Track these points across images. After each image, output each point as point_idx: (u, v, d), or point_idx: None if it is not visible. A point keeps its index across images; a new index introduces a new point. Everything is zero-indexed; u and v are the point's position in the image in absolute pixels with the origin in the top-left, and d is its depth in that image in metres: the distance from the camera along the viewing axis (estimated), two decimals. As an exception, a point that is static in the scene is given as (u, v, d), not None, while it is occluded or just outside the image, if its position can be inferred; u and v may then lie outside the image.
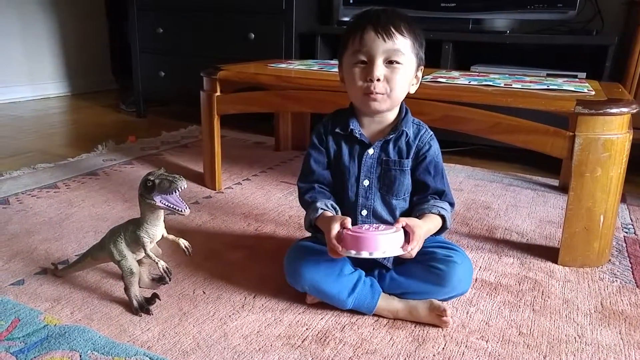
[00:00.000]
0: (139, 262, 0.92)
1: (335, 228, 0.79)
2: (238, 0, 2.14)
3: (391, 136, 0.88)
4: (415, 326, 0.86)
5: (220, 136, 1.51)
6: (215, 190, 1.54)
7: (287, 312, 0.90)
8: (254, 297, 0.95)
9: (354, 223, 0.87)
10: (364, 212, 0.90)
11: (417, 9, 1.94)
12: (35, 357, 0.75)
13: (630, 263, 1.13)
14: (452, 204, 0.90)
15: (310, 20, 2.17)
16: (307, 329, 0.85)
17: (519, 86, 1.22)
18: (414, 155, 0.88)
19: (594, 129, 1.02)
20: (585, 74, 1.71)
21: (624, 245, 1.23)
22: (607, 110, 1.01)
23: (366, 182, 0.89)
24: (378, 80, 0.81)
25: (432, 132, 0.90)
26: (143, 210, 0.86)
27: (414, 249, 0.78)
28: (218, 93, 1.46)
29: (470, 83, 1.26)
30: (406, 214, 0.90)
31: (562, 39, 1.74)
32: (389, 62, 0.82)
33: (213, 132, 1.50)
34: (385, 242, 0.75)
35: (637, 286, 1.03)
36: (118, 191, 1.51)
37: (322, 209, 0.86)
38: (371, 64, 0.81)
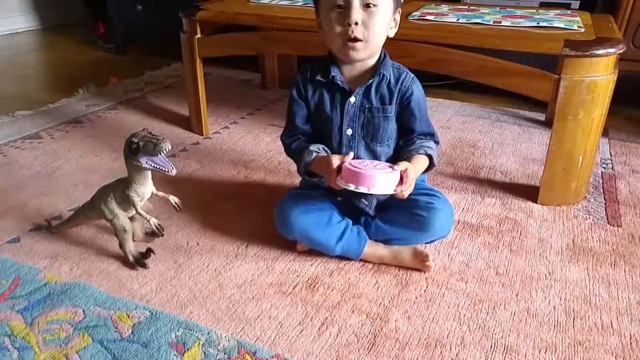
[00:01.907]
0: (131, 217, 0.94)
1: (336, 162, 0.81)
2: None
3: (371, 81, 0.87)
4: (399, 270, 0.92)
5: (203, 78, 1.47)
6: (202, 135, 1.53)
7: (279, 260, 0.95)
8: (246, 247, 0.99)
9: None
10: None
11: None
12: (40, 314, 0.79)
13: (605, 199, 1.18)
14: (437, 142, 0.93)
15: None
16: (297, 275, 0.90)
17: (509, 23, 1.18)
18: (398, 100, 0.88)
19: (579, 71, 1.01)
20: (578, 2, 1.65)
21: (601, 181, 1.27)
22: (594, 51, 0.99)
23: (349, 131, 0.90)
24: (356, 24, 0.80)
25: (413, 75, 0.90)
26: (130, 170, 0.87)
27: (405, 190, 0.81)
28: (199, 35, 1.40)
29: (459, 20, 1.22)
30: (391, 158, 0.92)
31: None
32: (366, 6, 0.80)
33: (196, 76, 1.46)
34: (382, 181, 0.78)
35: (608, 222, 1.09)
36: (105, 140, 1.50)
37: (315, 151, 0.88)
38: (348, 8, 0.80)
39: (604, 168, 1.34)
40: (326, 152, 0.90)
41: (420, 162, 0.87)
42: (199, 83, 1.46)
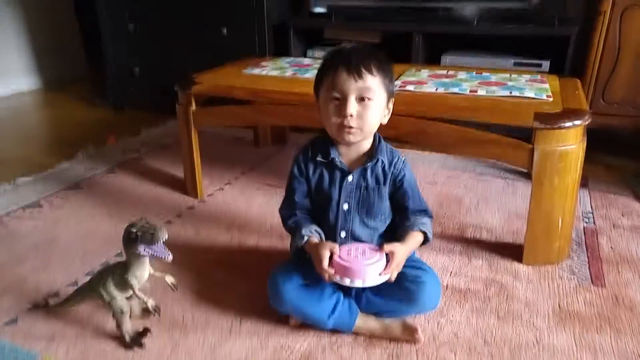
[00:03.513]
0: (129, 296, 0.97)
1: (326, 257, 0.88)
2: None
3: (368, 164, 0.95)
4: (390, 343, 0.94)
5: (199, 146, 1.53)
6: (197, 199, 1.58)
7: (272, 336, 0.97)
8: (240, 320, 1.02)
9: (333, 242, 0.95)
10: (343, 234, 0.97)
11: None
12: (40, 403, 0.81)
13: (588, 257, 1.22)
14: (430, 217, 1.00)
15: (283, 11, 2.15)
16: (290, 353, 0.93)
17: (484, 92, 1.26)
18: (391, 182, 0.96)
19: (550, 142, 1.08)
20: (549, 62, 1.75)
21: (583, 237, 1.32)
22: (562, 124, 1.06)
23: (345, 206, 0.96)
24: (351, 116, 0.88)
25: (404, 159, 0.98)
26: (128, 256, 0.91)
27: (393, 272, 0.88)
28: (194, 107, 1.47)
29: (437, 90, 1.29)
30: (384, 233, 0.99)
31: (526, 29, 1.77)
32: (361, 99, 0.88)
33: (192, 145, 1.52)
34: (372, 273, 0.87)
35: (592, 282, 1.13)
36: (103, 204, 1.54)
37: (307, 235, 0.94)
38: (344, 102, 0.88)
39: (586, 222, 1.39)
40: (319, 234, 0.96)
41: (413, 240, 0.94)
42: (194, 151, 1.52)
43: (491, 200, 1.54)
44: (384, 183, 0.96)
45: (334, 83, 0.88)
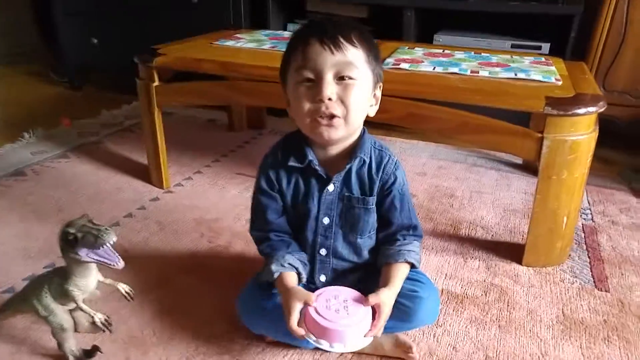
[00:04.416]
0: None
1: (296, 312, 0.69)
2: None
3: (349, 166, 0.76)
4: (381, 360, 0.82)
5: (163, 119, 1.35)
6: (163, 189, 1.41)
7: (247, 353, 0.83)
8: (209, 335, 0.87)
9: (312, 262, 0.81)
10: (323, 251, 0.81)
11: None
12: None
13: (589, 258, 1.13)
14: (419, 236, 0.82)
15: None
16: (267, 374, 0.80)
17: (487, 73, 1.13)
18: (379, 189, 0.78)
19: (561, 130, 0.96)
20: (549, 45, 1.64)
21: (583, 235, 1.22)
22: (576, 110, 0.95)
23: (326, 220, 0.79)
24: (330, 100, 0.68)
25: (396, 160, 0.79)
26: (68, 263, 0.75)
27: (379, 328, 0.70)
28: (156, 82, 1.29)
29: (435, 70, 1.16)
30: (373, 250, 0.82)
31: (527, 7, 1.65)
32: (340, 78, 0.69)
33: (155, 127, 1.34)
34: (354, 334, 0.68)
35: (595, 286, 1.03)
36: (51, 196, 1.35)
37: (278, 271, 0.75)
38: (319, 81, 0.69)
39: (584, 219, 1.30)
40: (295, 268, 0.77)
41: (401, 277, 0.76)
42: (158, 134, 1.35)
43: (485, 193, 1.43)
44: (371, 193, 0.77)
45: (305, 58, 0.69)
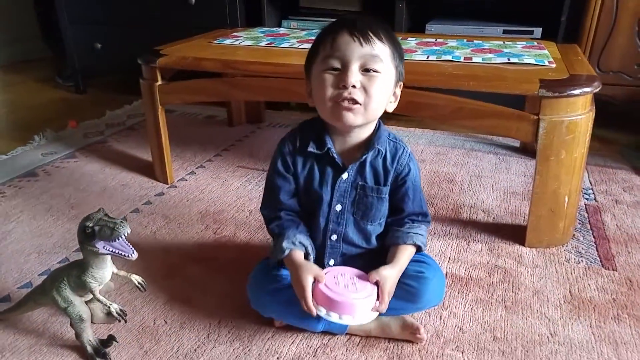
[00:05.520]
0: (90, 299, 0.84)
1: (309, 287, 0.73)
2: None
3: (364, 157, 0.78)
4: (389, 343, 0.84)
5: (166, 125, 1.38)
6: (167, 184, 1.44)
7: (255, 339, 0.86)
8: (219, 323, 0.90)
9: (322, 246, 0.83)
10: (334, 237, 0.83)
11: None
12: None
13: (594, 237, 1.15)
14: (428, 222, 0.85)
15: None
16: (278, 358, 0.82)
17: (480, 60, 1.15)
18: (393, 179, 0.81)
19: (558, 111, 0.98)
20: (541, 29, 1.65)
21: (586, 215, 1.24)
22: (571, 91, 0.96)
23: (338, 207, 0.81)
24: (353, 87, 0.71)
25: (409, 151, 0.82)
26: (85, 255, 0.78)
27: (383, 304, 0.75)
28: (159, 82, 1.31)
29: (429, 58, 1.18)
30: (380, 236, 0.85)
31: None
32: (366, 70, 0.72)
33: (158, 124, 1.37)
34: (362, 308, 0.73)
35: (602, 265, 1.05)
36: (62, 195, 1.38)
37: (289, 248, 0.78)
38: (345, 69, 0.71)
39: (587, 199, 1.31)
40: (304, 247, 0.79)
41: (405, 258, 0.79)
42: (162, 131, 1.37)
43: (484, 177, 1.45)
44: (385, 183, 0.80)
45: (334, 48, 0.71)
